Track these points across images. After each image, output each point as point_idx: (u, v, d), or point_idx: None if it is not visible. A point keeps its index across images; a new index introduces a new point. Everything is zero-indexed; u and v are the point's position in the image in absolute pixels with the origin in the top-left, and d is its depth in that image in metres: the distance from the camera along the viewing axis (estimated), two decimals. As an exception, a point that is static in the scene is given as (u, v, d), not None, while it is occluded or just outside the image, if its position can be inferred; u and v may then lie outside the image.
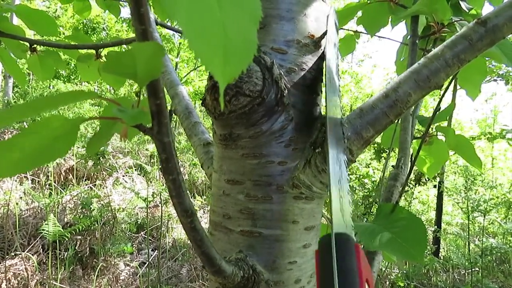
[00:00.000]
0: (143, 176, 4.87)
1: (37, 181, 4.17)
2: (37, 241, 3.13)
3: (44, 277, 2.83)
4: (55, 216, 2.90)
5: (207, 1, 0.24)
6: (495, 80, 4.72)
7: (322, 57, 0.59)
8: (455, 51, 0.53)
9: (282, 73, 0.54)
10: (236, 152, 0.56)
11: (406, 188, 4.49)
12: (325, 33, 0.58)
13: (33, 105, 0.32)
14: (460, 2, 1.01)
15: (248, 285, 0.51)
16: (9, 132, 4.87)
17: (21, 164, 0.34)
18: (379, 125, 0.54)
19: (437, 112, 0.82)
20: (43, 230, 2.73)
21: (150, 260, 3.32)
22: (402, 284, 3.32)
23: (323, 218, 0.64)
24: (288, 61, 0.55)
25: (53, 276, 2.82)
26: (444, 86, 0.75)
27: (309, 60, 0.57)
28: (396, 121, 0.94)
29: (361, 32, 1.36)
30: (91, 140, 0.37)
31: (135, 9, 0.30)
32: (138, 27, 0.31)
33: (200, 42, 0.23)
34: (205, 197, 5.04)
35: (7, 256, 2.92)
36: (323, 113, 0.59)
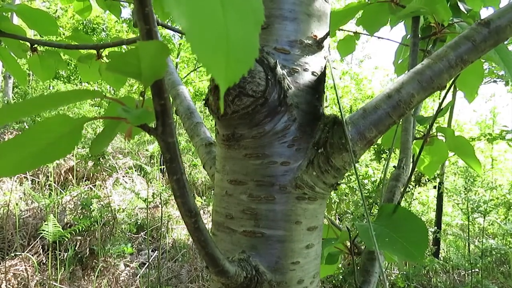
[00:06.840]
0: (143, 177, 4.86)
1: (37, 182, 4.16)
2: (37, 241, 3.12)
3: (44, 278, 2.83)
4: (55, 217, 2.89)
5: (211, 5, 0.24)
6: (494, 81, 4.71)
7: (325, 58, 0.59)
8: (458, 52, 0.53)
9: (285, 74, 0.54)
10: (239, 152, 0.55)
11: (407, 189, 4.48)
12: (328, 34, 0.58)
13: (34, 103, 0.32)
14: (459, 3, 1.02)
15: (251, 285, 0.51)
16: (9, 133, 4.86)
17: (25, 163, 0.34)
18: (382, 126, 0.54)
19: (438, 113, 0.82)
20: (43, 230, 2.73)
21: (150, 260, 3.32)
22: (402, 285, 3.32)
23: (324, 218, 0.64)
24: (291, 61, 0.55)
25: (53, 277, 2.81)
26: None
27: (312, 61, 0.57)
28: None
29: (360, 33, 1.36)
30: (95, 140, 0.37)
31: (140, 9, 0.30)
32: (143, 27, 0.30)
33: (203, 47, 0.23)
34: (205, 197, 5.04)
35: (7, 257, 2.91)
36: (326, 113, 0.59)
